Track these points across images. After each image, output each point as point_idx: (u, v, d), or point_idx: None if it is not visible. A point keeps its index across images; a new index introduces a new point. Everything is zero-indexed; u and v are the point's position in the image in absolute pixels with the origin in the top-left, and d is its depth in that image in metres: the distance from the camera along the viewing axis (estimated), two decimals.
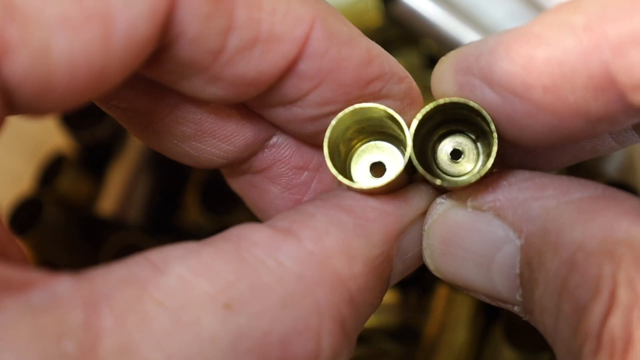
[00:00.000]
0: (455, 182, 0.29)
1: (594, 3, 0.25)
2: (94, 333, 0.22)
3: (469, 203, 0.30)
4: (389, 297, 0.64)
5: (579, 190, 0.28)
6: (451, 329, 0.61)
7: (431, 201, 0.32)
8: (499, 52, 0.27)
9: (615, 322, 0.24)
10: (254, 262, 0.25)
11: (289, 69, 0.29)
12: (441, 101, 0.29)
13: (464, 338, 0.61)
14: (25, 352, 0.21)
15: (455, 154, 0.32)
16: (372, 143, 0.33)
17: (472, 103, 0.28)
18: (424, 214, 0.32)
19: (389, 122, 0.31)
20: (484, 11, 0.61)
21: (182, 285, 0.24)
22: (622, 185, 0.55)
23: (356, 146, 0.33)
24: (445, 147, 0.32)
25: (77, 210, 0.72)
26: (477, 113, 0.29)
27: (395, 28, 0.63)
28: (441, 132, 0.32)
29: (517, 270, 0.29)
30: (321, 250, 0.27)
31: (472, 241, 0.30)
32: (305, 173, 0.35)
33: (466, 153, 0.32)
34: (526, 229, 0.28)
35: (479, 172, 0.29)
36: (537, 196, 0.28)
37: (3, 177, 0.73)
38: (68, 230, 0.69)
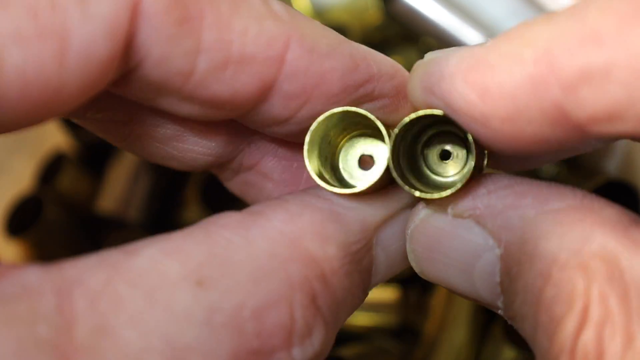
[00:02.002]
0: (431, 194, 0.29)
1: (543, 35, 0.25)
2: (67, 317, 0.22)
3: (449, 210, 0.30)
4: (389, 296, 0.64)
5: (557, 200, 0.28)
6: (451, 327, 0.61)
7: (412, 197, 0.32)
8: (458, 80, 0.27)
9: (588, 337, 0.24)
10: (223, 242, 0.26)
11: (271, 90, 0.29)
12: (420, 113, 0.29)
13: (463, 337, 0.61)
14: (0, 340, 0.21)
15: (445, 155, 0.32)
16: (356, 136, 0.33)
17: (455, 121, 0.28)
18: (405, 208, 0.32)
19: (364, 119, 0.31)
20: (484, 9, 0.61)
21: (153, 265, 0.24)
22: (622, 183, 0.55)
23: (347, 137, 0.33)
24: (436, 147, 0.32)
25: (77, 208, 0.72)
26: (456, 126, 0.29)
27: (395, 26, 0.63)
28: (434, 131, 0.32)
29: (498, 279, 0.29)
30: (292, 230, 0.27)
31: (454, 248, 0.30)
32: (295, 164, 0.35)
33: (455, 154, 0.32)
34: (505, 238, 0.28)
35: (455, 183, 0.29)
36: (516, 205, 0.28)
37: (3, 175, 0.73)
38: (68, 229, 0.69)
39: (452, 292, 0.32)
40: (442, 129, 0.32)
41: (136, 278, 0.24)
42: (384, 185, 0.32)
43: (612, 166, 0.59)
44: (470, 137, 0.28)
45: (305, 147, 0.30)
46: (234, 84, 0.28)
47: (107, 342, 0.23)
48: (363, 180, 0.32)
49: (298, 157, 0.35)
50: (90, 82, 0.25)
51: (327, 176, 0.32)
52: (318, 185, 0.31)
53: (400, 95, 0.32)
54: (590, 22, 0.24)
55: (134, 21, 0.25)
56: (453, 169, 0.32)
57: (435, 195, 0.29)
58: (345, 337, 0.64)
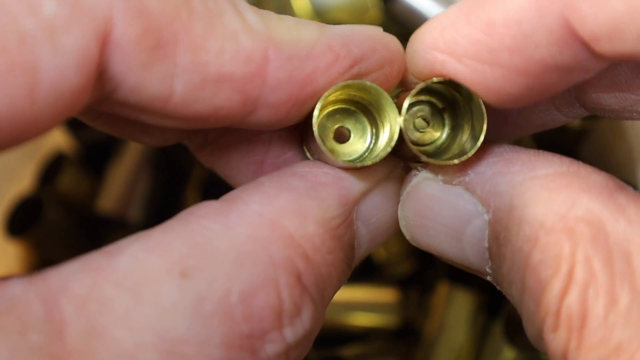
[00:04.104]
0: (440, 162, 0.30)
1: None
2: (57, 324, 0.23)
3: (439, 176, 0.31)
4: (389, 296, 0.64)
5: (544, 166, 0.28)
6: (451, 328, 0.61)
7: (390, 169, 0.32)
8: (461, 22, 0.27)
9: (572, 299, 0.25)
10: (203, 231, 0.26)
11: (257, 102, 0.29)
12: (428, 82, 0.29)
13: (464, 337, 0.61)
14: None
15: (421, 124, 0.33)
16: (341, 108, 0.33)
17: (462, 84, 0.28)
18: (382, 180, 0.32)
19: (372, 92, 0.31)
20: None
21: (136, 263, 0.25)
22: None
23: (325, 108, 0.33)
24: (413, 116, 0.32)
25: (77, 208, 0.72)
26: (464, 92, 0.29)
27: (396, 26, 0.63)
28: (410, 100, 0.32)
29: (486, 244, 0.29)
30: (270, 211, 0.28)
31: (444, 214, 0.31)
32: (262, 134, 0.35)
33: (432, 123, 0.32)
34: (494, 204, 0.29)
35: (465, 151, 0.29)
36: (504, 171, 0.29)
37: (3, 175, 0.73)
38: (68, 229, 0.69)
39: (442, 259, 0.32)
40: (420, 99, 0.32)
41: (121, 278, 0.24)
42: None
43: (611, 166, 0.59)
44: (481, 102, 0.28)
45: (315, 125, 0.30)
46: (214, 102, 0.28)
47: (100, 343, 0.23)
48: (342, 152, 0.33)
49: None
50: (61, 112, 0.25)
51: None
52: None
53: (387, 65, 0.32)
54: None
55: (104, 51, 0.25)
56: (428, 137, 0.33)
57: (454, 161, 0.29)
58: (345, 337, 0.64)
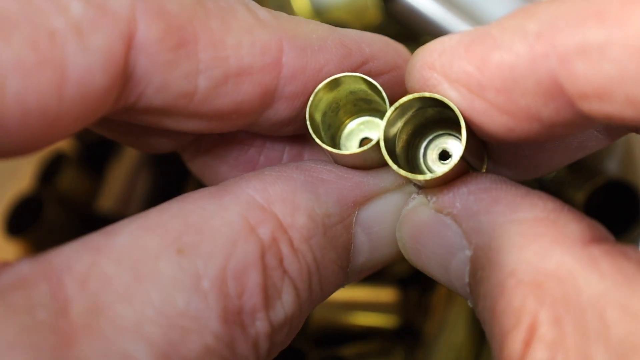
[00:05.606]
0: (413, 175, 0.29)
1: (547, 11, 0.26)
2: (62, 301, 0.23)
3: (430, 204, 0.30)
4: (389, 296, 0.64)
5: (526, 210, 0.28)
6: (451, 328, 0.61)
7: (399, 182, 0.32)
8: (459, 51, 0.28)
9: (540, 357, 0.24)
10: (199, 211, 0.27)
11: (274, 94, 0.30)
12: (427, 94, 0.29)
13: (464, 337, 0.61)
14: (3, 328, 0.22)
15: (444, 155, 0.32)
16: (364, 119, 0.33)
17: (445, 100, 0.28)
18: (389, 191, 0.32)
19: (372, 93, 0.31)
20: (484, 9, 0.61)
21: (134, 241, 0.25)
22: (622, 183, 0.55)
23: (346, 122, 0.33)
24: (436, 147, 0.32)
25: (77, 208, 0.72)
26: (449, 108, 0.29)
27: (395, 26, 0.63)
28: (436, 132, 0.32)
29: (467, 280, 0.29)
30: (264, 196, 0.28)
31: (433, 242, 0.30)
32: (251, 149, 0.36)
33: (454, 157, 0.32)
34: (475, 241, 0.28)
35: (440, 170, 0.29)
36: (488, 210, 0.28)
37: (3, 175, 0.73)
38: (68, 229, 0.69)
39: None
40: (446, 132, 0.32)
41: (119, 256, 0.25)
42: (377, 164, 0.32)
43: (612, 166, 0.59)
44: (463, 122, 0.28)
45: (308, 107, 0.31)
46: (236, 96, 0.29)
47: (103, 319, 0.24)
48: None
49: (254, 143, 0.36)
50: (87, 111, 0.26)
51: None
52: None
53: (397, 69, 0.32)
54: (596, 1, 0.24)
55: (130, 52, 0.26)
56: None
57: (419, 177, 0.29)
58: (345, 337, 0.64)
